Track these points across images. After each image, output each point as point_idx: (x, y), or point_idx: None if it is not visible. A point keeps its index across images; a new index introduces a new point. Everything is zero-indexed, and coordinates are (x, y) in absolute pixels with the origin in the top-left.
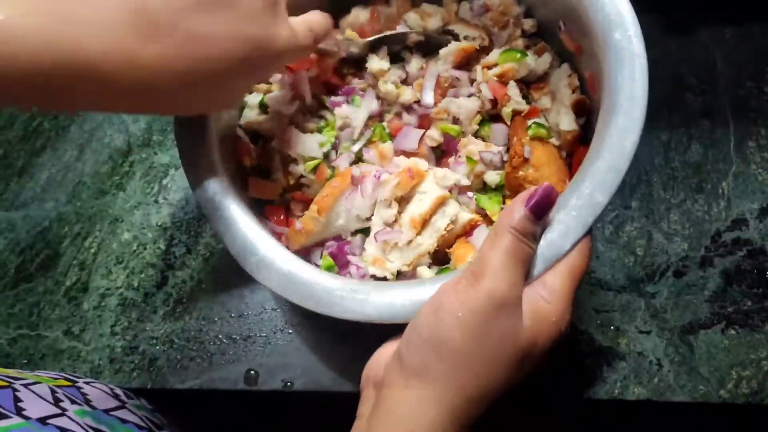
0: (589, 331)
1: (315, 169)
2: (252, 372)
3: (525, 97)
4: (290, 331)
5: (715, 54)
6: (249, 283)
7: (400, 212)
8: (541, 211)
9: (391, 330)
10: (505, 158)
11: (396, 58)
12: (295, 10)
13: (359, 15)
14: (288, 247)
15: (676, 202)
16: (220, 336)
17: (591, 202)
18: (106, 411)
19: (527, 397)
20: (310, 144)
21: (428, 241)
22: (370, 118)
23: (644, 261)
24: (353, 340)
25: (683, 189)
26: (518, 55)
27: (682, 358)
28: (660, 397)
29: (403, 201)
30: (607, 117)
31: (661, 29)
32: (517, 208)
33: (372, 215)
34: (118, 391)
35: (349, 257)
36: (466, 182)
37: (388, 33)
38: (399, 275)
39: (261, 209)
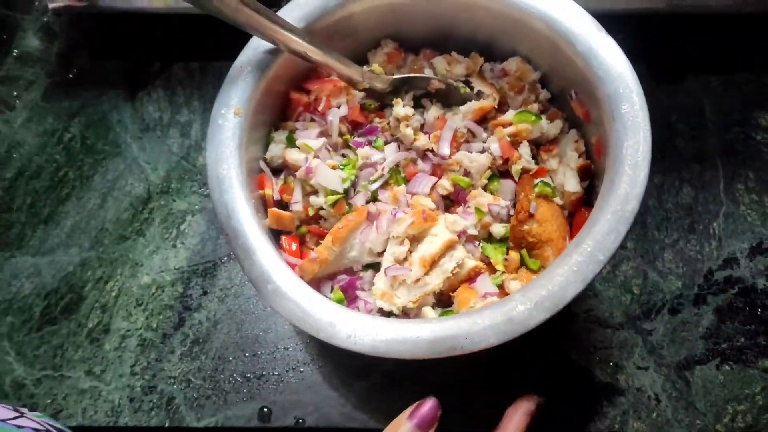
0: (589, 368)
1: (334, 204)
2: (265, 409)
3: (534, 157)
4: (302, 369)
5: (703, 101)
6: (262, 323)
7: (410, 251)
8: (426, 424)
9: (399, 366)
10: (511, 212)
11: (415, 104)
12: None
13: (386, 46)
14: (301, 278)
15: (669, 242)
16: (234, 375)
17: (592, 260)
18: (3, 420)
19: None
20: (333, 178)
21: (435, 281)
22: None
23: (641, 299)
24: (362, 379)
25: (676, 229)
26: (533, 118)
27: (679, 394)
28: None
29: (414, 241)
30: (612, 182)
31: (651, 79)
32: (403, 424)
33: (384, 251)
34: (21, 406)
35: (359, 292)
36: (473, 232)
37: (413, 75)
38: (404, 312)
39: (278, 240)
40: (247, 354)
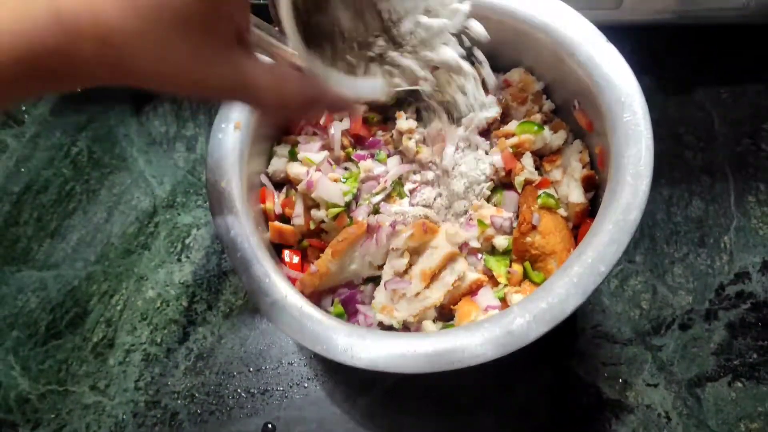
0: (597, 384)
1: (336, 218)
2: (269, 425)
3: (537, 168)
4: (306, 385)
5: (712, 113)
6: (266, 338)
7: (411, 264)
8: None
9: (403, 381)
10: (515, 225)
11: (418, 116)
12: None
13: None
14: (302, 292)
15: (679, 256)
16: (238, 390)
17: (593, 271)
18: None
19: None
20: (334, 191)
21: (435, 295)
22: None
23: (650, 314)
24: (365, 395)
25: (686, 243)
26: (535, 128)
27: (690, 411)
28: None
29: (414, 254)
30: (613, 191)
31: (660, 90)
32: None
33: (384, 264)
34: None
35: (359, 306)
36: (476, 244)
37: (416, 87)
38: (404, 326)
39: (279, 254)
40: (251, 369)
